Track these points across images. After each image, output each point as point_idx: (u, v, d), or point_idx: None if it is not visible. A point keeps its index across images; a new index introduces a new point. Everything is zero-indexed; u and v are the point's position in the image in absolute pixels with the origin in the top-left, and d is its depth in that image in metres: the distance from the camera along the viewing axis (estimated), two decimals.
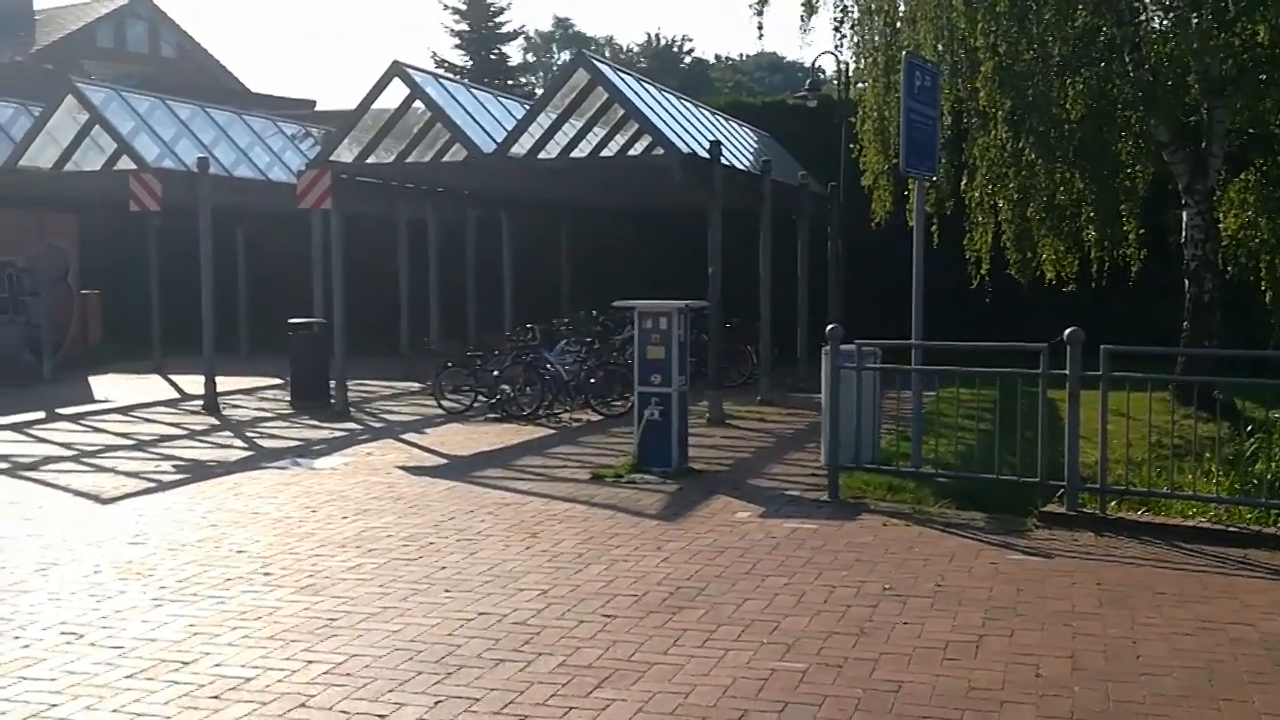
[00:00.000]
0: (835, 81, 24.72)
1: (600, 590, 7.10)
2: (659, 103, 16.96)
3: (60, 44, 44.95)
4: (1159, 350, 13.41)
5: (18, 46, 41.54)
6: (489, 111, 17.40)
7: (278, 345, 18.62)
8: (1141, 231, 16.88)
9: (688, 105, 19.28)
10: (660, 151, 15.13)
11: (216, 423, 15.20)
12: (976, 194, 16.87)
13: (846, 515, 9.20)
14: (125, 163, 16.86)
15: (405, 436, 13.80)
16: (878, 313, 14.41)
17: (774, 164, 17.97)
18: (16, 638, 6.34)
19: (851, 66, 19.32)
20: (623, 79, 16.45)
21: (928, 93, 11.38)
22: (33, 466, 11.98)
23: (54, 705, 5.35)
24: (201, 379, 16.51)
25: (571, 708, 5.25)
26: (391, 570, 7.64)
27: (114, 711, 5.28)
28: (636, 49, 60.04)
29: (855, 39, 17.94)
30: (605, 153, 16.57)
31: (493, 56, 36.67)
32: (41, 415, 15.87)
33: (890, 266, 15.54)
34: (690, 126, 17.33)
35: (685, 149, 15.11)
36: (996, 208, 16.85)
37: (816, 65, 30.90)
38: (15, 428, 14.77)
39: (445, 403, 15.79)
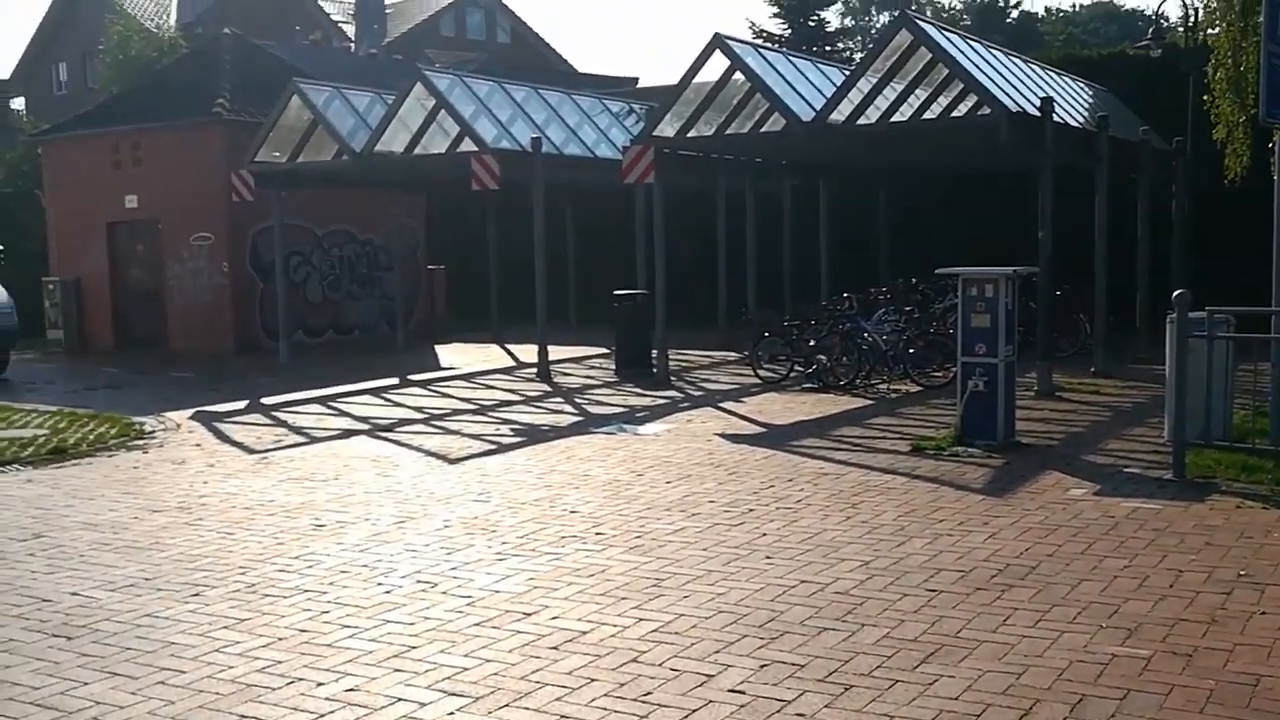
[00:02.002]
0: (1180, 28, 22.81)
1: (924, 564, 6.97)
2: (985, 60, 16.27)
3: (408, 35, 48.55)
4: None
5: (372, 40, 45.25)
6: (808, 79, 17.27)
7: (603, 316, 19.39)
8: None
9: (1016, 61, 18.37)
10: (987, 111, 14.52)
11: (549, 389, 16.04)
12: None
13: (1194, 496, 8.55)
14: (467, 144, 17.98)
15: (724, 404, 14.04)
16: (1229, 278, 13.25)
17: (1111, 120, 16.83)
18: (379, 584, 6.98)
19: (1201, 10, 17.76)
20: (947, 37, 15.88)
21: None
22: (389, 428, 13.09)
23: (413, 647, 5.85)
24: (535, 348, 17.47)
25: (897, 680, 5.20)
26: (714, 534, 7.82)
27: (465, 656, 5.71)
28: (959, 6, 57.82)
29: None
30: (927, 115, 16.08)
31: (810, 23, 36.34)
32: (395, 381, 17.32)
33: (1245, 228, 14.22)
34: (1019, 83, 16.52)
35: (1014, 107, 14.43)
36: None
37: (1159, 11, 28.60)
38: (374, 392, 16.19)
39: (762, 372, 15.92)
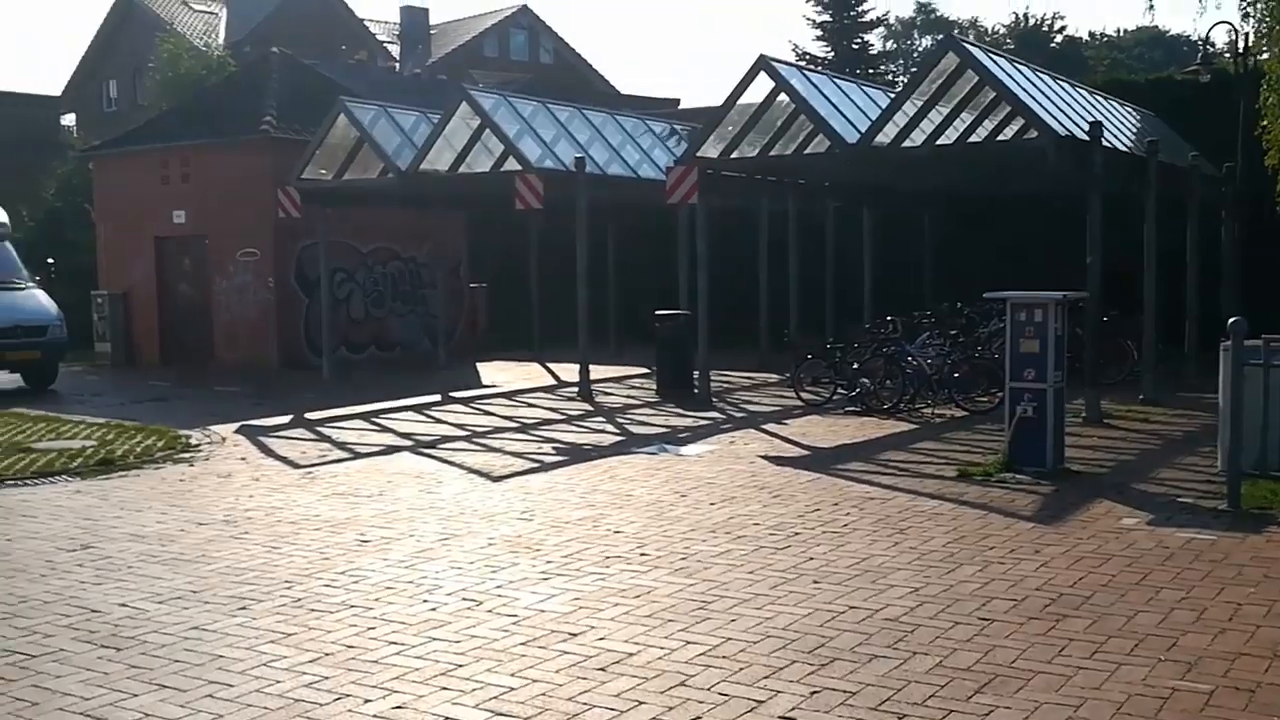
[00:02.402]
0: (1227, 54, 22.57)
1: (975, 592, 6.87)
2: (1033, 83, 16.15)
3: (452, 56, 48.96)
4: None
5: (416, 60, 45.66)
6: (853, 101, 17.23)
7: (643, 336, 19.38)
8: None
9: (1064, 85, 18.23)
10: (1034, 135, 14.41)
11: (590, 408, 16.03)
12: None
13: (1250, 527, 8.39)
14: (511, 164, 18.07)
15: (766, 426, 13.97)
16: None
17: (1161, 145, 16.67)
18: (425, 601, 6.97)
19: (1251, 35, 17.57)
20: (994, 60, 15.80)
21: None
22: (432, 444, 13.12)
23: (460, 666, 5.83)
24: (575, 367, 17.47)
25: (951, 710, 5.12)
26: (760, 558, 7.75)
27: (512, 675, 5.68)
28: (1002, 30, 57.52)
29: (1264, 4, 16.26)
30: (973, 139, 15.98)
31: (854, 46, 36.36)
32: (438, 398, 17.37)
33: None
34: (1067, 107, 16.39)
35: (1062, 131, 14.30)
36: None
37: (1208, 38, 28.38)
38: (416, 409, 16.24)
39: (804, 394, 15.83)
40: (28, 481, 11.10)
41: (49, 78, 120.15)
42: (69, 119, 49.89)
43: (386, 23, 50.90)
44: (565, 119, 20.31)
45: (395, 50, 48.99)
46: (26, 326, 18.50)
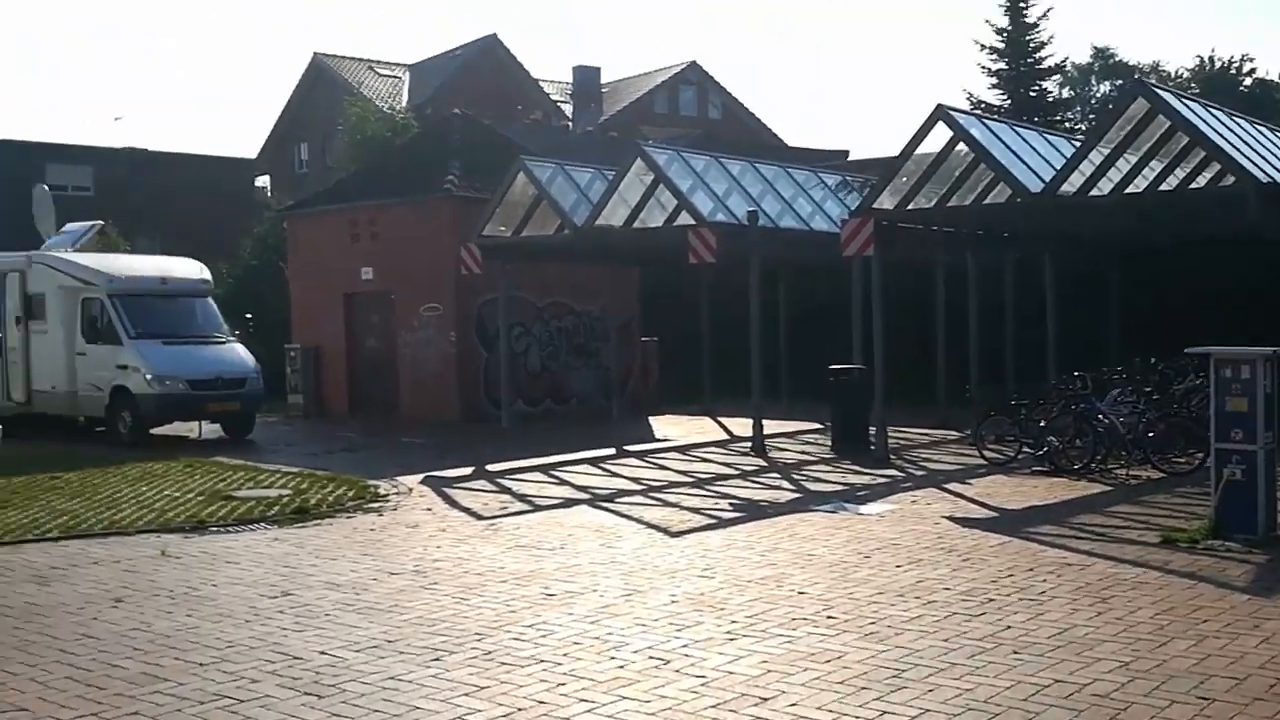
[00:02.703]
0: None
1: (1190, 668, 6.47)
2: (1228, 128, 15.47)
3: (623, 113, 50.00)
4: None
5: (588, 118, 46.82)
6: (1034, 149, 16.81)
7: (815, 390, 19.17)
8: None
9: (1262, 130, 17.41)
10: (1232, 181, 13.78)
11: (764, 464, 15.91)
12: None
13: None
14: (684, 218, 18.24)
15: (948, 486, 13.58)
16: None
17: None
18: (612, 658, 6.97)
19: None
20: (1186, 104, 15.20)
21: None
22: (609, 498, 13.22)
23: None
24: (747, 421, 17.40)
25: None
26: (954, 625, 7.49)
27: None
28: (1186, 74, 55.29)
29: None
30: (1164, 186, 15.35)
31: (1031, 94, 35.53)
32: (612, 451, 17.53)
33: None
34: (1266, 152, 15.63)
35: (1263, 177, 13.64)
36: None
37: None
38: (592, 462, 16.42)
39: (987, 452, 15.36)
40: (230, 528, 11.64)
41: (245, 142, 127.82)
42: (263, 180, 52.91)
43: (560, 82, 52.34)
44: (737, 172, 20.43)
45: (568, 109, 50.27)
46: (228, 379, 19.53)
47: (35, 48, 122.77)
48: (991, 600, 8.10)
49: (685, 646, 7.16)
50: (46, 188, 24.47)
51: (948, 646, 7.00)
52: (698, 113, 52.65)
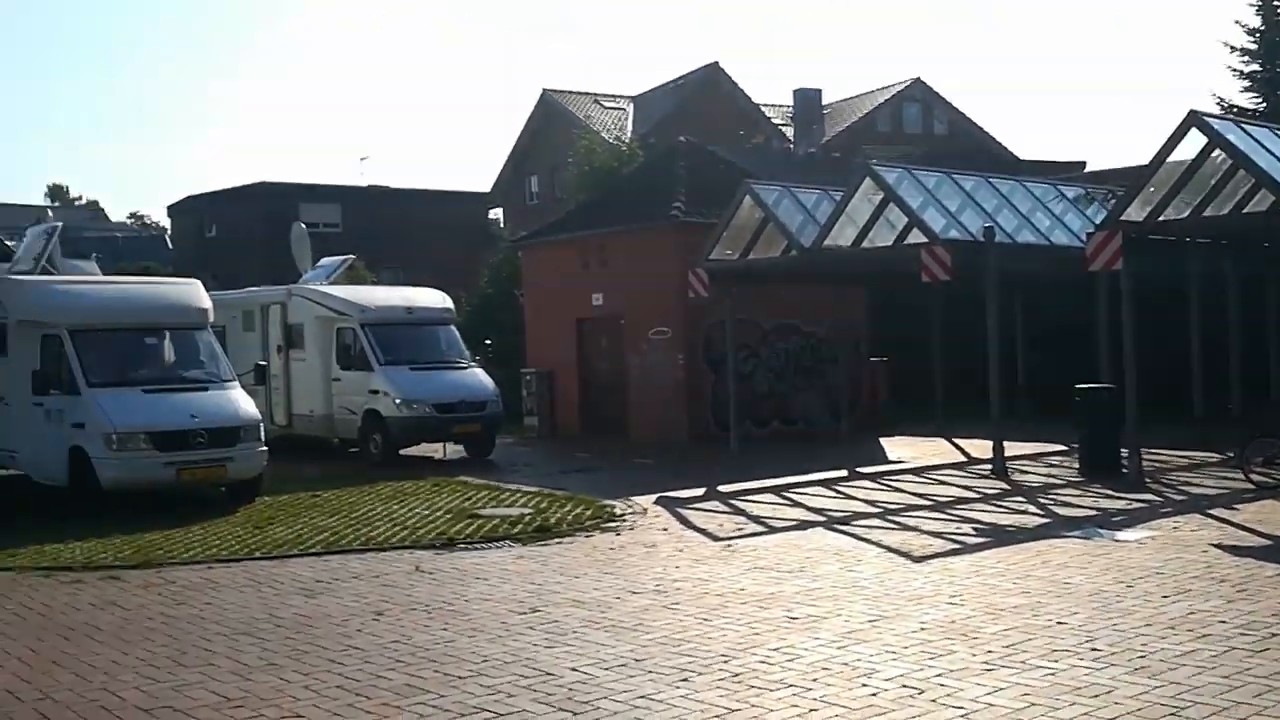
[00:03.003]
0: None
1: None
2: None
3: (845, 133, 49.40)
4: None
5: (810, 139, 46.47)
6: None
7: (1056, 410, 18.33)
8: None
9: None
10: None
11: (1007, 487, 15.30)
12: None
13: None
14: (915, 236, 17.80)
15: (1213, 511, 12.70)
16: None
17: None
18: (864, 685, 6.81)
19: None
20: None
21: None
22: (844, 520, 13.00)
23: None
24: (984, 443, 16.78)
25: None
26: (1234, 661, 6.96)
27: None
28: None
29: None
30: None
31: None
32: (844, 473, 17.25)
33: None
34: None
35: None
36: None
37: None
38: (824, 483, 16.20)
39: (1254, 476, 14.28)
40: (477, 546, 12.06)
41: (480, 176, 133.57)
42: (497, 213, 54.96)
43: (781, 106, 52.21)
44: (970, 188, 19.79)
45: (790, 132, 50.09)
46: (470, 402, 20.32)
47: (289, 98, 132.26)
48: (1275, 635, 7.49)
49: (940, 675, 6.92)
50: (304, 225, 26.11)
51: (1229, 684, 6.51)
52: (923, 129, 51.49)
